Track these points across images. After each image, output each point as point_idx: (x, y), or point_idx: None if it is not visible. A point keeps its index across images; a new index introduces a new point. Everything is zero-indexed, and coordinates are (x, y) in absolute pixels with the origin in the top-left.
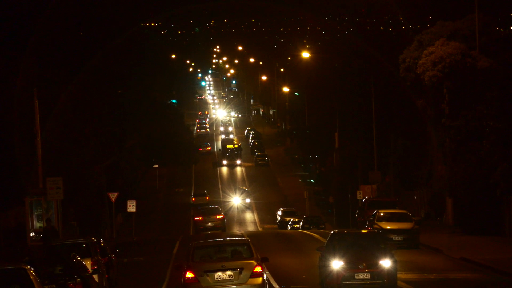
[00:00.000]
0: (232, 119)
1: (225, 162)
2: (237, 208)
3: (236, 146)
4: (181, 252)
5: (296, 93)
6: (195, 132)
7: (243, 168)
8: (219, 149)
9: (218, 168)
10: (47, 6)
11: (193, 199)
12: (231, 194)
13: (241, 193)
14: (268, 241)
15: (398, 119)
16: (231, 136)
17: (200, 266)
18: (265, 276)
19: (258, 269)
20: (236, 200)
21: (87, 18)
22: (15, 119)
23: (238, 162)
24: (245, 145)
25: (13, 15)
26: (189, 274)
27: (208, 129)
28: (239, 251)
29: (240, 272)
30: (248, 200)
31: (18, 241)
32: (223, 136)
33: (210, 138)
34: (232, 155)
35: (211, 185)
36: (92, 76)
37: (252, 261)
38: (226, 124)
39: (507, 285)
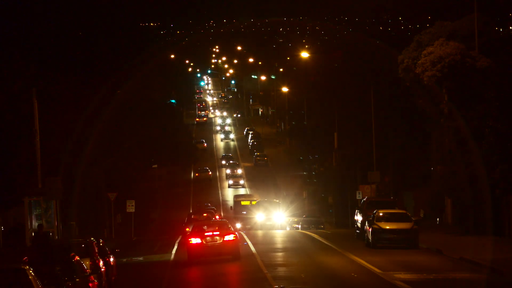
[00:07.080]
0: (232, 143)
1: (238, 225)
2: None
3: (253, 202)
4: (180, 251)
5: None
6: (196, 110)
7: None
8: (230, 206)
9: None
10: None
11: (197, 174)
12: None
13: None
14: (267, 241)
15: (397, 119)
16: (241, 182)
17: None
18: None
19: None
20: (279, 216)
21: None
22: (14, 119)
23: None
24: (244, 145)
25: (12, 15)
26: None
27: (208, 111)
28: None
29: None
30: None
31: (17, 241)
32: (230, 182)
33: (210, 156)
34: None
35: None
36: (91, 76)
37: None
38: (230, 161)
39: (506, 285)
